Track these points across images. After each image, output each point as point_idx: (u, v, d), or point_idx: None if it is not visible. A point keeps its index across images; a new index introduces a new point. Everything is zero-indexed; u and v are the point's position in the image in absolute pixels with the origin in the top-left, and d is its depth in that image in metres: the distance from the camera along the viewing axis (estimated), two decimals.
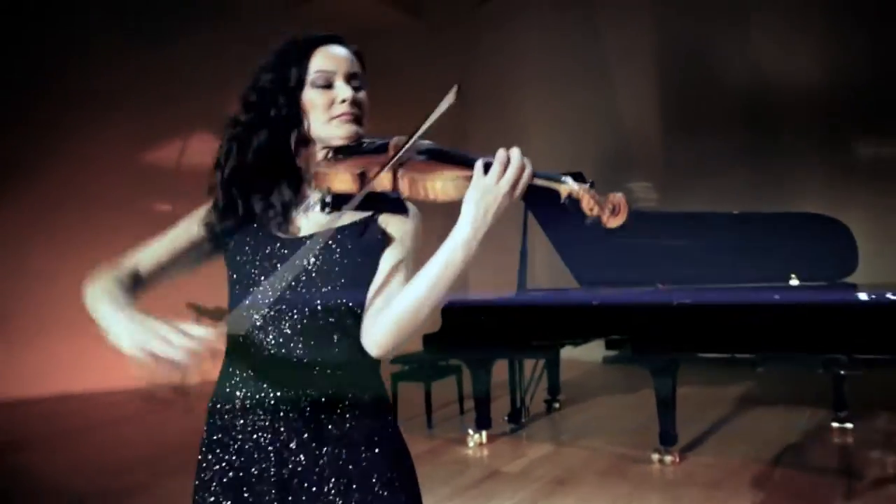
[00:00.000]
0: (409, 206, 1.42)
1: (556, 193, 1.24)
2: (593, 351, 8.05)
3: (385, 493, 1.32)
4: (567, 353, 6.37)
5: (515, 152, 1.24)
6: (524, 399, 5.88)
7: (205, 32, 8.18)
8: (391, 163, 1.27)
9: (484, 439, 5.23)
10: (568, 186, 1.24)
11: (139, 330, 1.19)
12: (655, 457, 4.64)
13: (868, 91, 7.75)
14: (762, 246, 5.49)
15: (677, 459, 4.61)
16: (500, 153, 1.24)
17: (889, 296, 4.29)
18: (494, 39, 9.53)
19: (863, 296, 4.50)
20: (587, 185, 1.23)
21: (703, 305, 4.64)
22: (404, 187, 1.28)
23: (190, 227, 1.45)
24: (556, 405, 6.24)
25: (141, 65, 8.04)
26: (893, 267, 6.78)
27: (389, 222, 1.38)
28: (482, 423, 5.27)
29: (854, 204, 7.67)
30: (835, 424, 5.24)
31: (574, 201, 1.24)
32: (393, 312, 1.28)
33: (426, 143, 1.34)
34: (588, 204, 1.22)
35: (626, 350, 5.25)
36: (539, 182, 1.26)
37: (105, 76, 7.89)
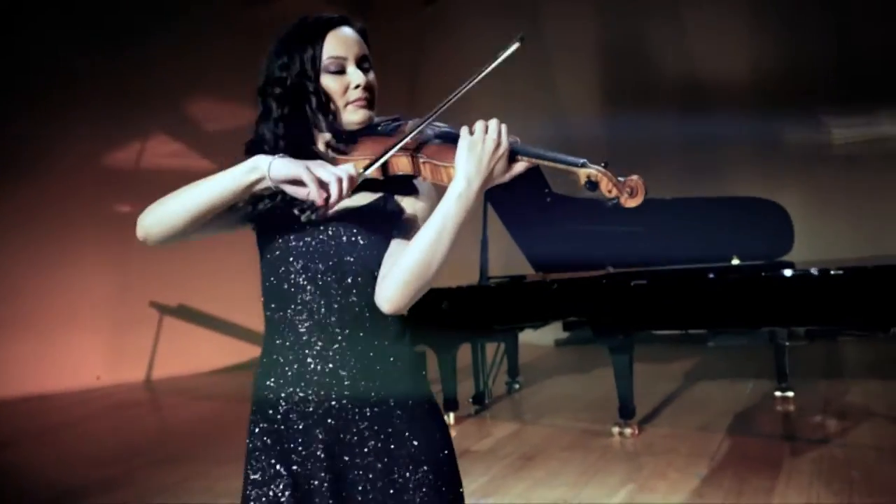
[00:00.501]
0: (422, 185, 1.46)
1: (575, 176, 1.29)
2: (546, 335, 8.28)
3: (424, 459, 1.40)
4: (521, 337, 6.54)
5: (494, 119, 1.32)
6: (487, 382, 6.00)
7: (167, 34, 8.09)
8: (399, 146, 1.31)
9: (451, 421, 5.34)
10: (587, 170, 1.28)
11: (298, 165, 1.26)
12: (616, 430, 4.81)
13: (799, 77, 8.07)
14: (706, 229, 5.70)
15: (636, 431, 4.79)
16: (480, 122, 1.32)
17: (819, 271, 4.55)
18: (441, 38, 9.61)
19: (796, 273, 4.76)
20: (604, 167, 1.28)
21: (655, 286, 4.85)
22: (426, 173, 1.34)
23: None
24: (517, 386, 6.39)
25: (101, 67, 7.94)
26: (827, 245, 7.09)
27: (404, 201, 1.43)
28: (449, 405, 5.37)
29: (789, 187, 8.00)
30: (777, 393, 5.49)
31: (593, 184, 1.28)
32: (401, 269, 1.32)
33: (441, 126, 1.38)
34: (607, 186, 1.27)
35: (582, 331, 5.43)
36: (559, 165, 1.30)
37: (67, 79, 7.77)
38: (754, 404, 5.42)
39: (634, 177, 1.28)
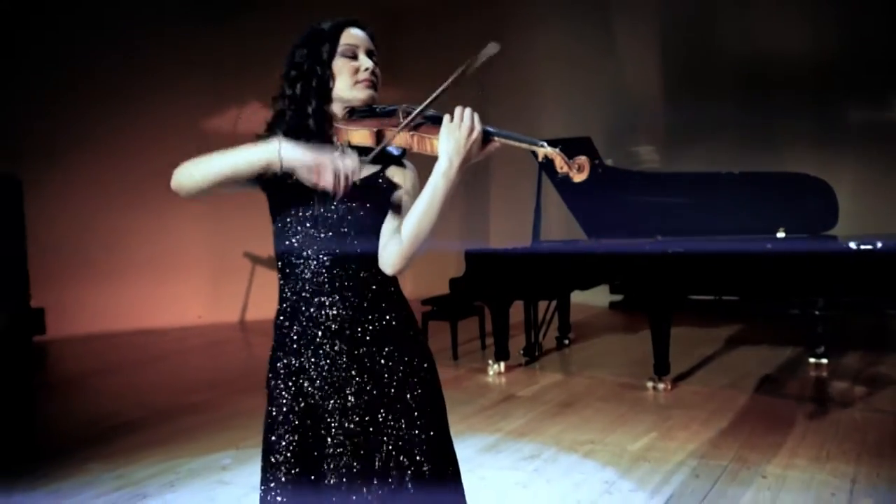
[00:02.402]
0: (407, 162, 1.63)
1: (535, 154, 1.48)
2: (601, 297, 8.35)
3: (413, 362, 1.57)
4: (578, 297, 6.63)
5: (468, 108, 1.46)
6: (538, 336, 6.15)
7: (257, 13, 8.43)
8: (407, 122, 1.46)
9: (502, 369, 5.54)
10: (544, 150, 1.46)
11: (307, 153, 1.41)
12: (650, 384, 4.91)
13: (856, 56, 7.76)
14: (754, 202, 5.65)
15: (669, 387, 4.88)
16: (458, 108, 1.46)
17: (863, 246, 4.49)
18: (512, 17, 9.60)
19: (840, 246, 4.71)
20: (558, 149, 1.46)
21: (695, 254, 4.87)
22: (415, 144, 1.49)
23: None
24: (566, 342, 6.51)
25: (198, 44, 8.34)
26: (880, 222, 6.89)
27: (395, 174, 1.60)
28: (500, 355, 5.57)
29: (841, 163, 7.76)
30: (811, 360, 5.45)
31: (549, 161, 1.47)
32: (399, 240, 1.50)
33: (432, 111, 1.52)
34: (559, 163, 1.47)
35: (628, 294, 5.49)
36: (524, 145, 1.47)
37: (167, 55, 8.22)
38: (787, 369, 5.40)
39: (582, 157, 1.47)
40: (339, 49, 1.55)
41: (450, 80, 1.42)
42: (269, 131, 1.57)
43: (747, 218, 5.65)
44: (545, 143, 1.46)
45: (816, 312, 5.36)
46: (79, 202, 8.02)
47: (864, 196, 7.53)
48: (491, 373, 5.52)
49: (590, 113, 8.92)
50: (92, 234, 8.06)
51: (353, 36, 1.58)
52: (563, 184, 5.74)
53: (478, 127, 1.45)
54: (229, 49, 8.38)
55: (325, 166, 1.39)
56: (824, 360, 5.40)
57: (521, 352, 5.98)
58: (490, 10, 9.27)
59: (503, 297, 5.54)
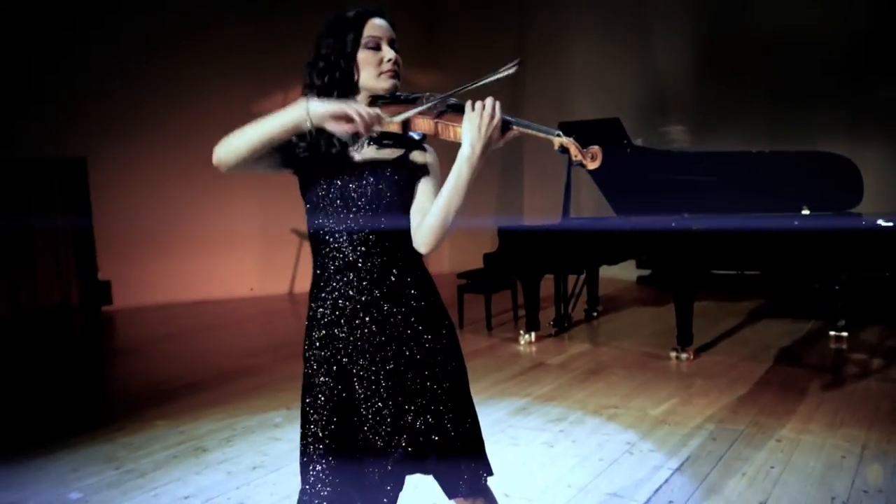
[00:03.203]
0: (427, 146, 1.67)
1: (552, 142, 1.52)
2: (630, 272, 8.38)
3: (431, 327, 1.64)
4: (607, 272, 6.69)
5: (490, 98, 1.50)
6: (567, 308, 6.24)
7: (293, 4, 8.56)
8: (425, 107, 1.52)
9: (533, 339, 5.65)
10: (560, 139, 1.52)
11: (334, 102, 1.46)
12: (673, 354, 4.98)
13: (887, 35, 7.58)
14: (780, 180, 5.62)
15: (691, 357, 4.94)
16: (480, 100, 1.50)
17: (885, 223, 4.48)
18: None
19: (862, 223, 4.70)
20: (573, 139, 1.52)
21: (718, 231, 4.89)
22: (439, 130, 1.54)
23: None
24: (595, 314, 6.58)
25: (249, 30, 8.52)
26: None
27: (417, 157, 1.65)
28: (531, 325, 5.67)
29: (870, 142, 7.62)
30: (832, 333, 5.43)
31: (564, 149, 1.52)
32: (430, 221, 1.53)
33: (455, 100, 1.57)
34: (574, 152, 1.51)
35: (655, 269, 5.50)
36: (540, 134, 1.52)
37: (218, 41, 8.41)
38: (807, 342, 5.40)
39: (594, 146, 1.52)
40: (363, 41, 1.57)
41: (472, 85, 1.49)
42: None
43: (772, 196, 5.62)
44: (560, 133, 1.51)
45: (837, 287, 5.35)
46: (140, 181, 8.31)
47: (891, 175, 7.40)
48: (522, 342, 5.64)
49: (621, 92, 8.87)
50: (153, 212, 8.36)
51: (377, 27, 1.59)
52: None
53: (498, 115, 1.49)
54: (273, 35, 8.52)
55: (351, 110, 1.45)
56: (844, 334, 5.38)
57: (552, 323, 6.08)
58: None
59: (534, 271, 5.64)
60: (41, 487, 3.11)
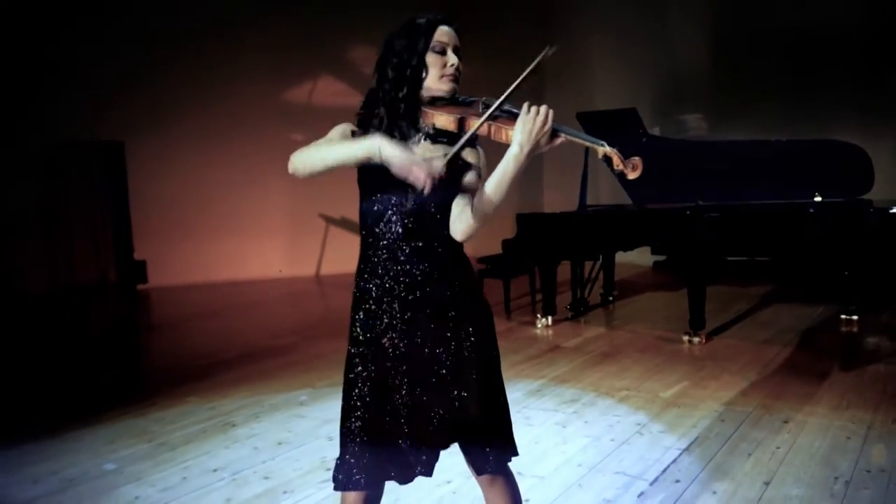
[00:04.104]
0: (478, 146, 1.72)
1: (596, 152, 1.55)
2: (646, 257, 8.32)
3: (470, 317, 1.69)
4: (624, 257, 6.65)
5: (544, 105, 1.54)
6: (583, 293, 6.22)
7: None
8: (477, 126, 1.56)
9: (549, 322, 5.65)
10: (604, 148, 1.55)
11: (403, 154, 1.52)
12: (686, 338, 4.95)
13: None
14: (792, 168, 5.54)
15: (703, 341, 4.91)
16: (535, 105, 1.54)
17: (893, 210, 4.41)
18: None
19: (871, 209, 4.62)
20: (616, 149, 1.55)
21: (729, 217, 4.85)
22: (493, 133, 1.59)
23: (347, 133, 1.72)
24: (610, 299, 6.56)
25: (277, 21, 8.53)
26: None
27: (469, 155, 1.69)
28: (548, 309, 5.67)
29: (885, 130, 7.48)
30: (843, 316, 5.38)
31: (608, 159, 1.55)
32: (470, 212, 1.62)
33: (509, 105, 1.60)
34: (616, 162, 1.55)
35: (668, 254, 5.45)
36: (587, 143, 1.56)
37: (251, 30, 8.44)
38: (819, 325, 5.35)
39: (636, 157, 1.55)
40: (432, 44, 1.64)
41: (519, 80, 1.51)
42: (364, 108, 1.70)
43: (785, 184, 5.55)
44: (605, 143, 1.54)
45: (847, 273, 5.28)
46: (175, 165, 8.42)
47: None
48: (539, 326, 5.65)
49: (640, 83, 8.78)
50: (187, 195, 8.47)
51: (445, 33, 1.66)
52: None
53: (549, 123, 1.54)
54: (304, 27, 8.55)
55: (417, 168, 1.50)
56: (855, 318, 5.33)
57: (568, 307, 6.07)
58: None
59: (551, 256, 5.63)
60: (78, 458, 3.19)
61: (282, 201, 8.88)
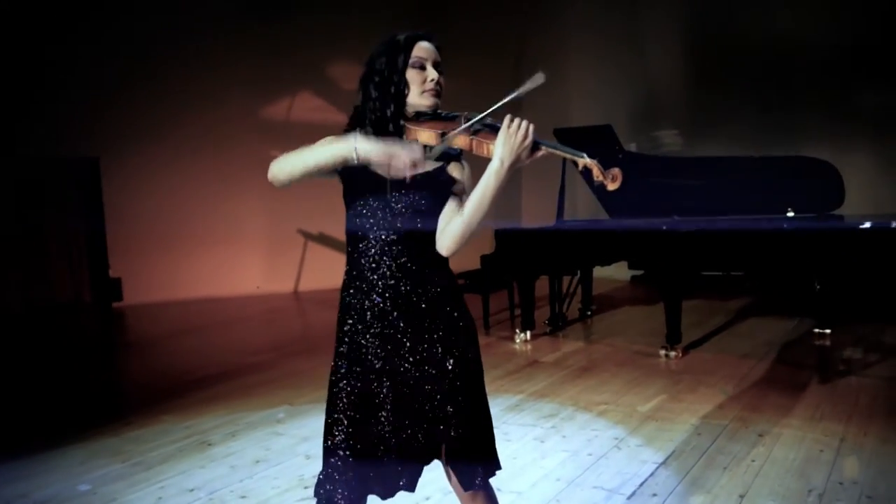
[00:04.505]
0: (463, 161, 1.75)
1: (576, 163, 1.60)
2: (624, 272, 8.39)
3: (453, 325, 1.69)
4: (602, 272, 6.70)
5: (525, 120, 1.58)
6: (562, 307, 6.26)
7: (302, 10, 8.60)
8: (461, 129, 1.58)
9: (528, 337, 5.68)
10: (584, 160, 1.59)
11: (379, 146, 1.55)
12: (662, 352, 5.00)
13: (871, 43, 7.61)
14: (765, 183, 5.65)
15: (680, 354, 4.96)
16: (517, 119, 1.57)
17: (867, 225, 4.52)
18: (539, 6, 9.57)
19: (843, 225, 4.73)
20: (596, 161, 1.58)
21: (704, 232, 4.91)
22: (474, 146, 1.61)
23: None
24: (589, 313, 6.61)
25: (255, 35, 8.54)
26: (890, 200, 6.82)
27: (454, 170, 1.72)
28: (527, 324, 5.70)
29: (854, 147, 7.64)
30: (816, 330, 5.46)
31: (588, 171, 1.59)
32: (454, 227, 1.64)
33: (490, 119, 1.63)
34: (596, 173, 1.59)
35: (644, 268, 5.52)
36: (567, 155, 1.59)
37: (228, 46, 8.44)
38: (793, 339, 5.43)
39: (615, 168, 1.59)
40: (411, 61, 1.66)
41: (502, 102, 1.55)
42: (350, 126, 1.70)
43: (758, 199, 5.65)
44: (585, 155, 1.58)
45: (818, 287, 5.37)
46: (151, 181, 8.33)
47: (876, 178, 7.43)
48: (518, 341, 5.67)
49: (615, 100, 8.90)
50: (163, 211, 8.38)
51: (423, 49, 1.68)
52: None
53: (530, 137, 1.56)
54: (281, 43, 8.56)
55: (395, 156, 1.54)
56: (827, 331, 5.41)
57: (546, 322, 6.11)
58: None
59: (529, 271, 5.66)
60: (51, 479, 3.14)
61: (260, 217, 8.84)
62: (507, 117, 1.58)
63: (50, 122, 7.71)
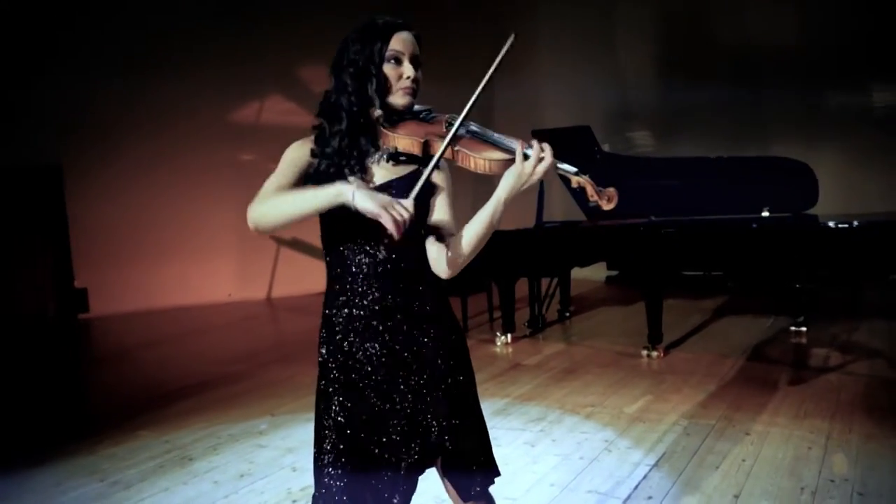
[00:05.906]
0: (442, 164, 1.61)
1: (569, 181, 1.51)
2: (599, 272, 8.45)
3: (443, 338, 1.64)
4: (577, 273, 6.72)
5: (548, 150, 1.48)
6: (541, 309, 6.27)
7: (273, 12, 8.48)
8: (440, 153, 1.46)
9: (509, 340, 5.66)
10: (578, 178, 1.50)
11: (375, 198, 1.41)
12: (644, 353, 5.02)
13: (841, 45, 7.78)
14: (741, 183, 5.71)
15: (662, 354, 4.99)
16: (537, 147, 1.47)
17: (840, 225, 4.60)
18: (510, 6, 9.59)
19: (818, 224, 4.80)
20: (588, 177, 1.50)
21: (684, 233, 4.96)
22: (458, 159, 1.50)
23: (301, 158, 1.60)
24: (567, 315, 6.62)
25: (223, 40, 8.40)
26: (864, 200, 6.97)
27: (435, 176, 1.61)
28: (507, 327, 5.68)
29: (825, 147, 7.80)
30: (792, 328, 5.55)
31: (582, 189, 1.50)
32: (457, 250, 1.57)
33: (474, 125, 1.54)
34: (590, 192, 1.50)
35: (623, 269, 5.56)
36: (561, 171, 1.50)
37: (195, 51, 8.29)
38: (770, 337, 5.50)
39: (611, 189, 1.50)
40: (387, 53, 1.55)
41: (482, 85, 1.44)
42: (321, 115, 1.60)
43: (734, 199, 5.71)
44: (579, 171, 1.50)
45: (797, 286, 5.46)
46: (116, 187, 8.15)
47: (846, 177, 7.59)
48: (499, 343, 5.65)
49: (589, 100, 8.95)
50: (130, 218, 8.21)
51: (402, 41, 1.57)
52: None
53: (538, 176, 1.48)
54: (250, 46, 8.43)
55: (386, 218, 1.39)
56: (804, 329, 5.50)
57: (526, 324, 6.10)
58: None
59: (509, 274, 5.65)
60: (24, 502, 3.02)
61: (230, 222, 8.65)
62: (521, 147, 1.47)
63: (10, 130, 7.47)
